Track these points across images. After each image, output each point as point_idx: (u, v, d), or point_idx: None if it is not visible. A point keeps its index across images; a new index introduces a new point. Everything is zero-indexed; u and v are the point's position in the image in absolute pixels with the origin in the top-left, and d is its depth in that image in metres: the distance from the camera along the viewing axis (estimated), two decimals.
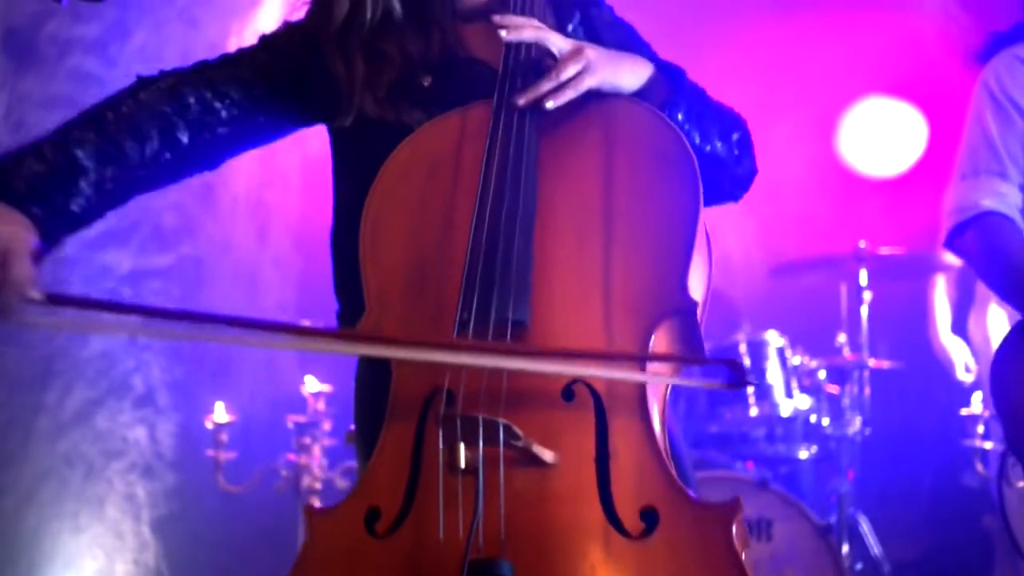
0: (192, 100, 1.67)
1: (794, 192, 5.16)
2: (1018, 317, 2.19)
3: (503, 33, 1.53)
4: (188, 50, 4.39)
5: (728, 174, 1.65)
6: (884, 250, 4.20)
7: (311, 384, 4.04)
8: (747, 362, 4.36)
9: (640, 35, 1.76)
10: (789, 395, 4.37)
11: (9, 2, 3.77)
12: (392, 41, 1.65)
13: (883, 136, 5.27)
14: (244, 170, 4.81)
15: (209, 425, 3.96)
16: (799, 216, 5.22)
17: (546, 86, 1.49)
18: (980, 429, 3.78)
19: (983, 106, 2.26)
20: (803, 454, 4.37)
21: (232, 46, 4.97)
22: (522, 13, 1.60)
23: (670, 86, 1.60)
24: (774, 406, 4.33)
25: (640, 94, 1.57)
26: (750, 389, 4.28)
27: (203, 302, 4.57)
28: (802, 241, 4.97)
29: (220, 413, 3.94)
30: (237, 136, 1.72)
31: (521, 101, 1.50)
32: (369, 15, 1.65)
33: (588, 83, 1.50)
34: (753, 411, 4.31)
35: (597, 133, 1.51)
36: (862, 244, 4.16)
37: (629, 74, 1.56)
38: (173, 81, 1.69)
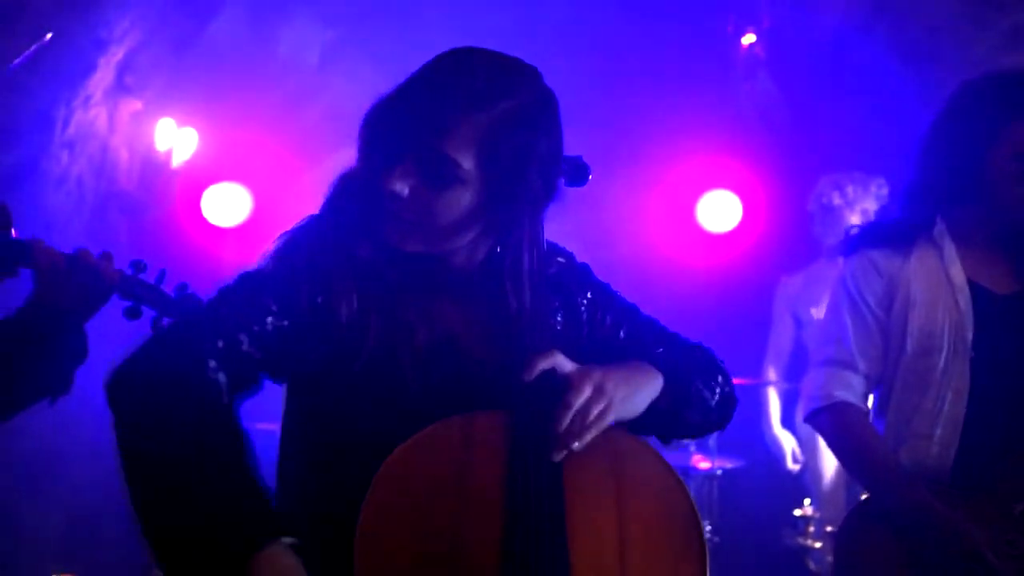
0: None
1: None
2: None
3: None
4: None
5: (713, 423, 1.74)
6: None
7: None
8: None
9: (625, 301, 1.78)
10: None
11: None
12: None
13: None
14: None
15: None
16: None
17: (566, 425, 1.48)
18: (811, 528, 4.26)
19: (840, 302, 2.50)
20: None
21: None
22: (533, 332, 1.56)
23: (678, 389, 1.64)
24: None
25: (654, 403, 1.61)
26: None
27: None
28: None
29: None
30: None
31: (556, 457, 1.48)
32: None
33: (609, 420, 1.52)
34: None
35: (611, 483, 1.52)
36: None
37: (644, 396, 1.59)
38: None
